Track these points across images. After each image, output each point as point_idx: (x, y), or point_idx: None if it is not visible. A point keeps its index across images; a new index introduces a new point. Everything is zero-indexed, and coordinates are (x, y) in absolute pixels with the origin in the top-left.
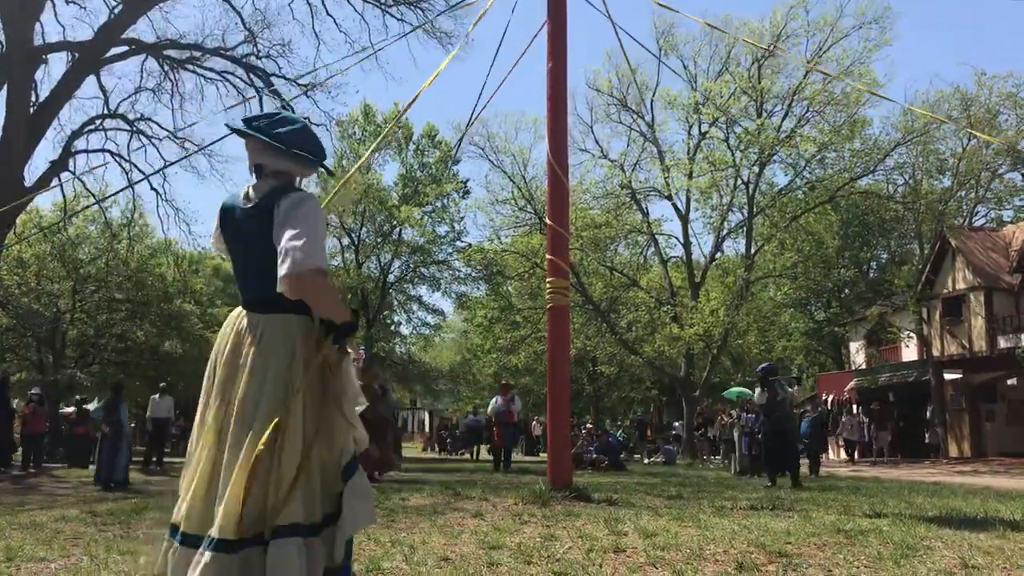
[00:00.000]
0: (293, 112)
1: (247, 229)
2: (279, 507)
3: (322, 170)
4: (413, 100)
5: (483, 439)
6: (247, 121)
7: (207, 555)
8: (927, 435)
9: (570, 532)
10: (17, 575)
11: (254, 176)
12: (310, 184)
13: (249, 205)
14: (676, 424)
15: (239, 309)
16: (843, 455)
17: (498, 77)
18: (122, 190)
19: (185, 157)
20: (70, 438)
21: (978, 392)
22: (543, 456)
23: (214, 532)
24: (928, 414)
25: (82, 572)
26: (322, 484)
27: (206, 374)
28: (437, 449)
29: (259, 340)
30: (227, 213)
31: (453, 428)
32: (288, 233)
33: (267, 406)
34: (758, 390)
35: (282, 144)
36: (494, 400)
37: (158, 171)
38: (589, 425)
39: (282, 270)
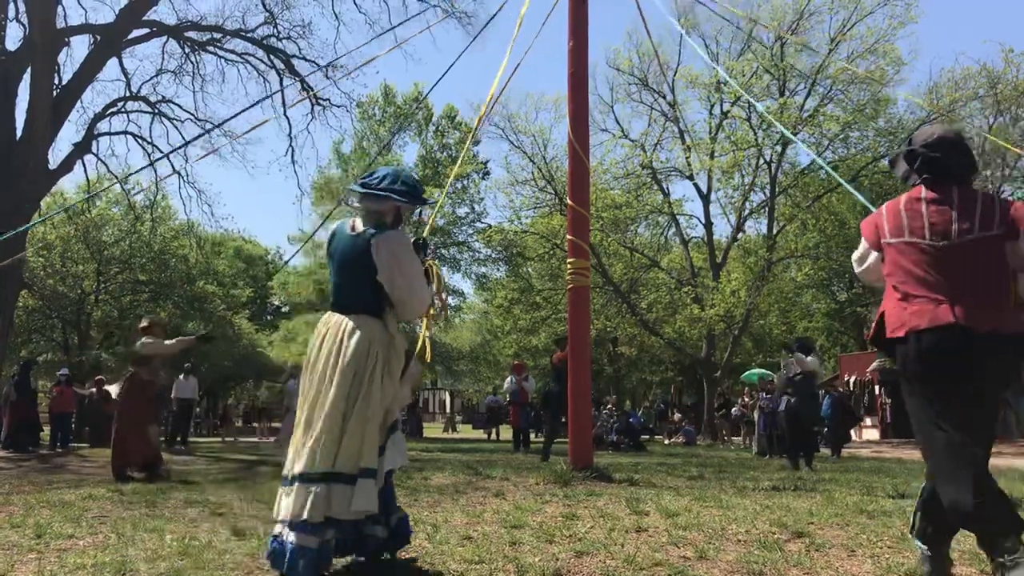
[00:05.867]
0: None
1: (349, 253)
2: (364, 454)
3: (419, 205)
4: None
5: (503, 419)
6: (360, 183)
7: (309, 487)
8: None
9: (592, 512)
10: (46, 552)
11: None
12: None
13: (353, 234)
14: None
15: (330, 312)
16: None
17: (519, 57)
18: (142, 168)
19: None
20: (96, 417)
21: None
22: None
23: (317, 468)
24: None
25: (109, 549)
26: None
27: (306, 359)
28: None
29: (348, 333)
30: (335, 235)
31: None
32: (399, 282)
33: (356, 380)
34: (812, 357)
35: (368, 190)
36: (508, 380)
37: (181, 147)
38: (611, 405)
39: (406, 310)
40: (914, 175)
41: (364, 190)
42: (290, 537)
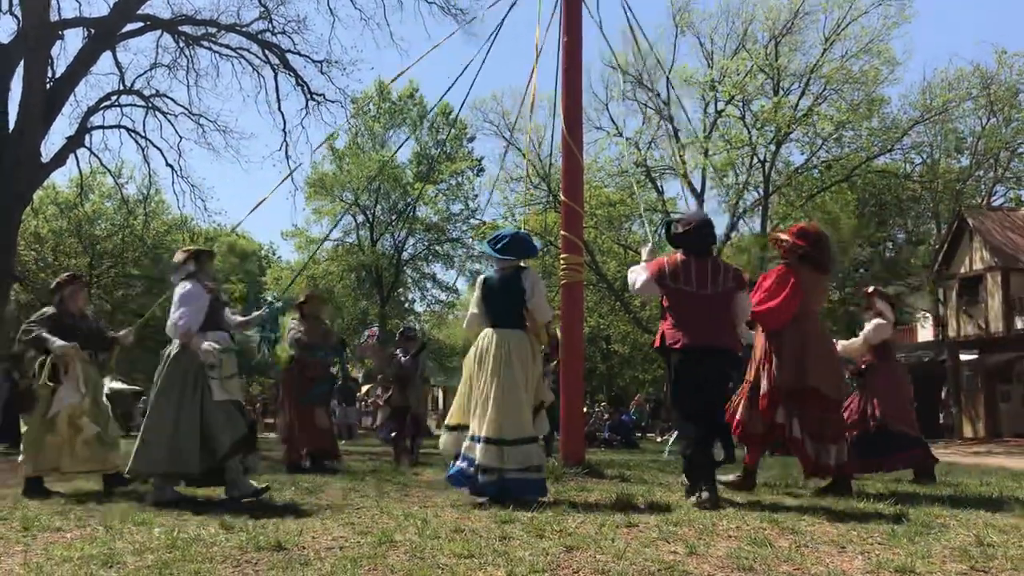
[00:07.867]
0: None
1: (503, 287)
2: (531, 424)
3: (534, 256)
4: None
5: None
6: (490, 244)
7: (512, 447)
8: (942, 416)
9: (582, 507)
10: (33, 544)
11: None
12: None
13: (503, 275)
14: None
15: (490, 328)
16: None
17: (510, 54)
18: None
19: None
20: None
21: (994, 373)
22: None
23: (513, 435)
24: (943, 395)
25: (97, 542)
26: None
27: (476, 361)
28: None
29: (509, 343)
30: (488, 280)
31: None
32: (535, 298)
33: (523, 374)
34: None
35: (498, 253)
36: None
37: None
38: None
39: (541, 317)
40: (681, 247)
41: (500, 256)
42: (513, 475)
